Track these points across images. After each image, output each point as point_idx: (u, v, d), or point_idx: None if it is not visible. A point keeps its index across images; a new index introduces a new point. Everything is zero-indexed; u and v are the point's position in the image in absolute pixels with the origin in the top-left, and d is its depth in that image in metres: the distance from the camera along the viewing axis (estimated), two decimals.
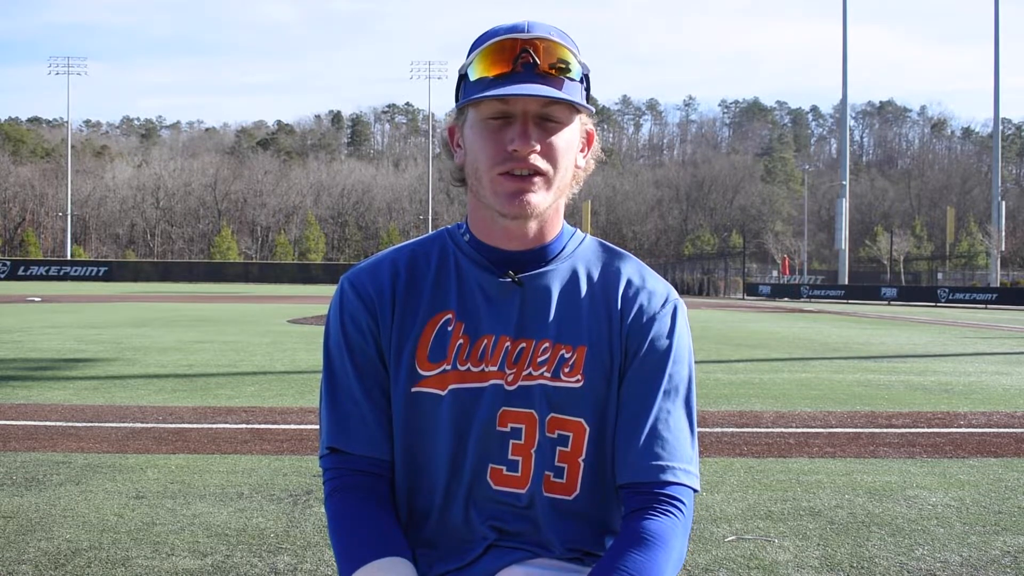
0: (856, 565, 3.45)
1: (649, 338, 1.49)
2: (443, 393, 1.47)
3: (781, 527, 3.95)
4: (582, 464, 1.48)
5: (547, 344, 1.47)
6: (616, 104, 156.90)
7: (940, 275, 69.86)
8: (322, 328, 1.59)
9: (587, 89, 1.44)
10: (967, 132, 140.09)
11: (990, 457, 5.62)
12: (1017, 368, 11.77)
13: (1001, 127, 69.99)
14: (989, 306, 42.26)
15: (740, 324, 23.10)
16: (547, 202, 1.43)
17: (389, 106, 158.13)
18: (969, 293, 46.28)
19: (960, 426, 6.85)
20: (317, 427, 1.54)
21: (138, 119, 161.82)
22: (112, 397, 7.63)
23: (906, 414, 7.45)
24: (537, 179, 1.40)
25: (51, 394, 7.73)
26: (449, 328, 1.48)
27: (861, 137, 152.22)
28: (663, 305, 1.52)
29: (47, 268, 66.86)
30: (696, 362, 1.60)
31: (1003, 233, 59.61)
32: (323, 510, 1.46)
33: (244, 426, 6.32)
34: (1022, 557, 3.59)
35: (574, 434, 1.48)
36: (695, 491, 1.47)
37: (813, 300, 52.99)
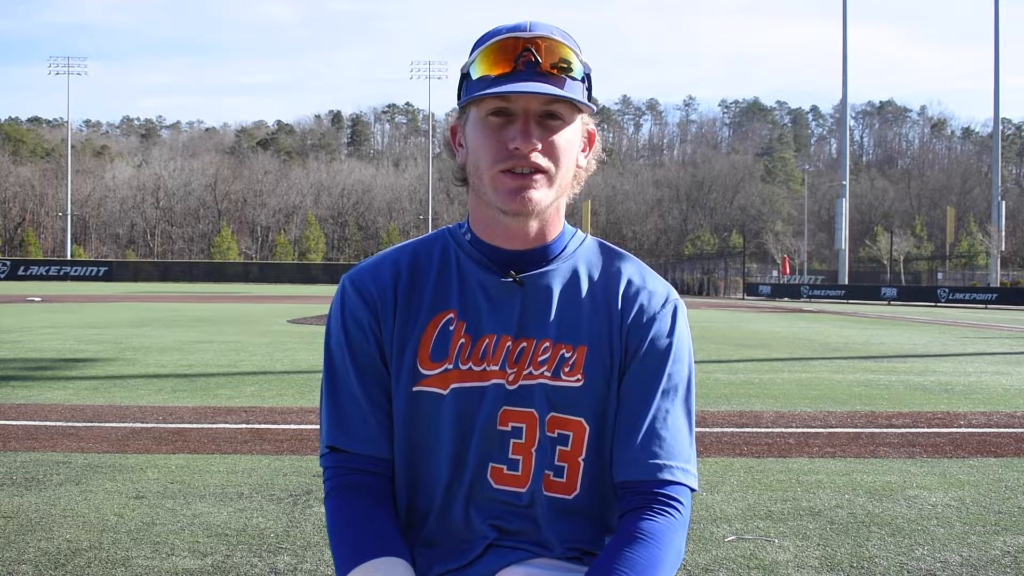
0: (856, 565, 3.45)
1: (649, 338, 1.49)
2: (445, 392, 1.47)
3: (781, 527, 3.96)
4: (582, 463, 1.49)
5: (548, 344, 1.48)
6: (616, 104, 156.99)
7: (940, 275, 69.86)
8: (322, 328, 1.59)
9: (588, 88, 1.45)
10: (967, 132, 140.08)
11: (990, 457, 5.62)
12: (1017, 368, 11.77)
13: (1001, 127, 70.01)
14: (989, 306, 42.26)
15: (740, 324, 23.10)
16: (548, 199, 1.43)
17: (389, 106, 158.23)
18: (969, 293, 46.26)
19: (960, 426, 6.85)
20: (317, 427, 1.55)
21: (138, 119, 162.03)
22: (112, 397, 7.63)
23: (906, 414, 7.45)
24: (539, 176, 1.41)
25: (51, 394, 7.73)
26: (451, 328, 1.48)
27: (861, 137, 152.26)
28: (663, 305, 1.52)
29: (47, 268, 66.87)
30: (696, 362, 1.60)
31: (1003, 233, 59.60)
32: (323, 510, 1.46)
33: (244, 426, 6.32)
34: (1022, 557, 3.59)
35: (574, 433, 1.48)
36: (693, 490, 1.48)
37: (813, 300, 52.98)
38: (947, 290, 47.61)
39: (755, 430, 6.49)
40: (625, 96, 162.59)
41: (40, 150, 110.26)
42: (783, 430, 6.51)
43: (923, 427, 6.80)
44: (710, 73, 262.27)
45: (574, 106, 1.41)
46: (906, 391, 9.00)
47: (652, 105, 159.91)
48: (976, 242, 76.82)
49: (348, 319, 1.50)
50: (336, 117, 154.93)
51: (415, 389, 1.48)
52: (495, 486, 1.49)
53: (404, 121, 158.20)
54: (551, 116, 1.40)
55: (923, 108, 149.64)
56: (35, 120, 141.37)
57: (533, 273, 1.50)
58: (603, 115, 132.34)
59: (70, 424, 6.28)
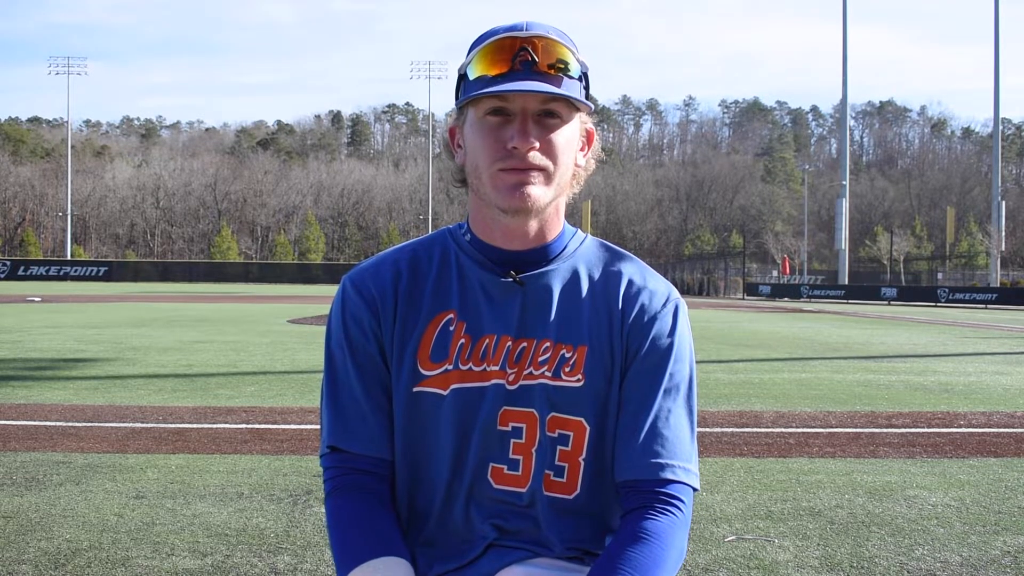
0: (856, 565, 3.45)
1: (650, 337, 1.49)
2: (445, 393, 1.47)
3: (781, 527, 3.96)
4: (582, 463, 1.49)
5: (548, 344, 1.48)
6: (616, 104, 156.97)
7: (940, 275, 69.90)
8: (322, 328, 1.59)
9: (586, 87, 1.45)
10: (967, 132, 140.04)
11: (990, 457, 5.62)
12: (1017, 368, 11.77)
13: (1001, 127, 69.96)
14: (989, 306, 42.25)
15: (740, 324, 23.10)
16: (547, 197, 1.43)
17: (389, 106, 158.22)
18: (969, 293, 46.26)
19: (960, 426, 6.85)
20: (317, 427, 1.55)
21: (138, 119, 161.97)
22: (112, 397, 7.63)
23: (906, 414, 7.45)
24: (537, 173, 1.41)
25: (51, 394, 7.73)
26: (451, 328, 1.48)
27: (861, 137, 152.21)
28: (664, 304, 1.52)
29: (47, 268, 66.89)
30: (696, 362, 1.60)
31: (1003, 233, 59.56)
32: (323, 510, 1.46)
33: (244, 426, 6.32)
34: (1022, 557, 3.59)
35: (574, 433, 1.48)
36: (695, 489, 1.48)
37: (813, 300, 52.97)
38: (947, 290, 47.61)
39: (755, 430, 6.49)
40: (625, 96, 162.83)
41: (40, 150, 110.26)
42: (783, 430, 6.51)
43: (923, 427, 6.80)
44: (710, 73, 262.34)
45: (572, 105, 1.41)
46: (906, 391, 9.00)
47: (652, 105, 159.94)
48: (976, 242, 76.82)
49: (349, 319, 1.51)
50: (336, 117, 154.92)
51: (415, 389, 1.48)
52: (495, 486, 1.49)
53: (404, 121, 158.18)
54: (549, 115, 1.40)
55: (923, 108, 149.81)
56: (35, 120, 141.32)
57: (533, 273, 1.49)
58: (603, 115, 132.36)
59: (70, 424, 6.28)
